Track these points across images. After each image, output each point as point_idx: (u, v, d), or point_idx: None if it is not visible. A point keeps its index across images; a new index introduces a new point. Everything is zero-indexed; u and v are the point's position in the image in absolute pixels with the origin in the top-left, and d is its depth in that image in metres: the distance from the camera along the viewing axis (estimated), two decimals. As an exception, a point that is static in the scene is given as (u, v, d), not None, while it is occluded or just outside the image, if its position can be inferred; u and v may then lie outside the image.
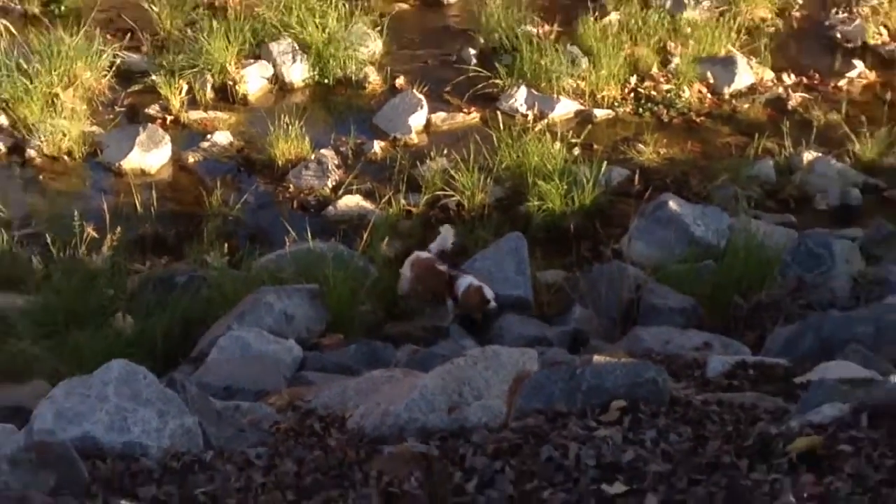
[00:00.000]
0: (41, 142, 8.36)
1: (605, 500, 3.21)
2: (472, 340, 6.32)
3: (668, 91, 9.08)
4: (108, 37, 9.31)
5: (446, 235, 6.77)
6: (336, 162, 8.34)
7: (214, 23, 9.18)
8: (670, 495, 3.22)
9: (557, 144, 8.16)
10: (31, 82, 8.60)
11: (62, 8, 9.64)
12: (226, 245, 7.44)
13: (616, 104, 9.03)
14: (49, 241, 7.29)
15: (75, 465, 3.61)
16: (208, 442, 4.03)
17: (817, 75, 9.34)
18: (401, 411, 4.15)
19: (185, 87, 8.88)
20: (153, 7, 9.32)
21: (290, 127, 8.43)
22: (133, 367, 4.03)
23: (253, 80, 9.10)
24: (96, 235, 7.25)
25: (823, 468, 3.23)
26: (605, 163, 8.17)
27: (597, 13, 9.57)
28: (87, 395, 3.90)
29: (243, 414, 4.46)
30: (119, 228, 7.37)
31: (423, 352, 6.07)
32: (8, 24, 9.18)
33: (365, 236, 7.51)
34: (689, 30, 9.46)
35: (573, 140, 8.49)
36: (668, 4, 9.66)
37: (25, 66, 8.70)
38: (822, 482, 3.15)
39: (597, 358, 4.04)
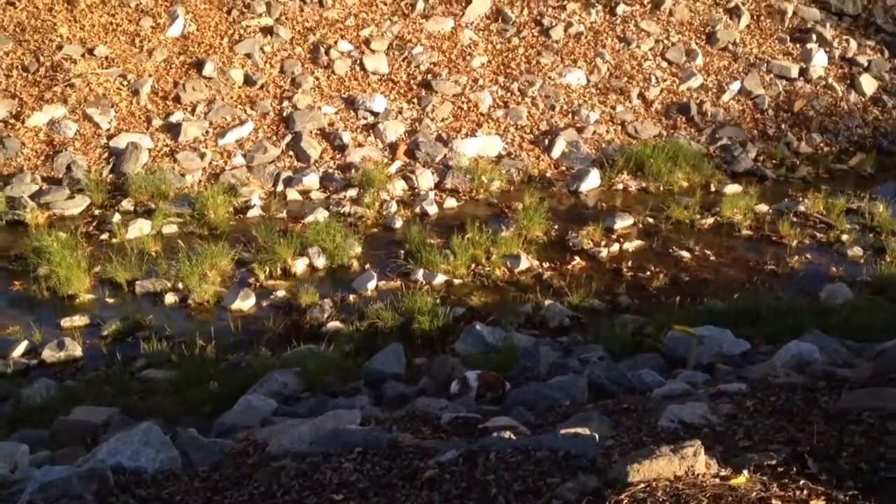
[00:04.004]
0: (195, 296, 8.25)
1: (332, 500, 3.09)
2: (368, 397, 6.04)
3: (489, 270, 8.97)
4: (236, 245, 9.20)
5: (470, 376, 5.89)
6: (331, 305, 8.18)
7: (282, 239, 9.10)
8: (361, 500, 3.10)
9: (429, 298, 8.06)
10: (193, 267, 8.48)
11: (218, 233, 9.37)
12: (268, 346, 7.34)
13: (463, 277, 8.89)
14: (184, 344, 7.20)
15: (107, 479, 3.49)
16: (189, 462, 3.86)
17: (558, 263, 9.21)
18: (286, 443, 4.00)
19: (267, 269, 8.79)
20: (256, 233, 9.16)
21: (310, 287, 8.36)
22: (150, 426, 3.88)
23: (299, 266, 8.99)
24: (203, 343, 7.13)
25: (434, 486, 3.09)
26: (451, 305, 8.08)
27: (460, 234, 9.39)
28: (125, 441, 3.76)
29: (217, 444, 4.18)
30: (215, 339, 7.28)
31: (335, 402, 5.74)
32: (180, 243, 9.07)
33: (334, 344, 7.40)
34: (500, 241, 9.29)
35: (440, 294, 8.41)
36: (490, 230, 9.47)
37: (191, 259, 8.59)
38: (430, 495, 3.03)
39: (350, 427, 3.86)
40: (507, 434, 3.61)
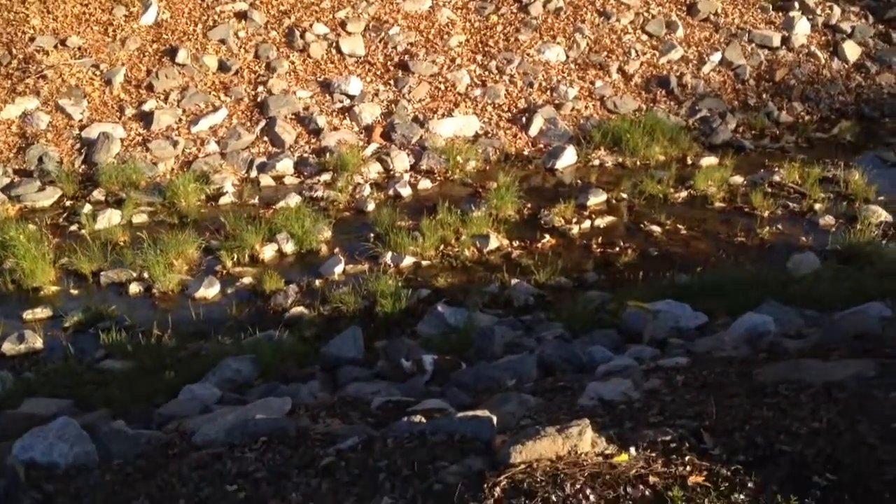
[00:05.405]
0: (159, 285, 8.24)
1: (226, 491, 3.07)
2: (321, 382, 6.01)
3: (457, 251, 8.91)
4: (205, 232, 9.19)
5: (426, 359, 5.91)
6: (296, 290, 8.17)
7: (250, 225, 9.05)
8: (253, 490, 3.07)
9: (391, 281, 8.02)
10: (158, 256, 8.46)
11: (189, 221, 9.34)
12: (230, 333, 7.32)
13: (432, 258, 8.85)
14: (143, 334, 7.19)
15: (17, 474, 3.47)
16: (110, 455, 3.81)
17: (528, 241, 9.14)
18: (210, 433, 3.98)
19: (234, 256, 8.77)
20: (225, 220, 9.11)
21: (276, 273, 8.34)
22: (67, 420, 3.84)
23: (268, 252, 8.97)
24: (158, 332, 7.13)
25: (328, 474, 3.07)
26: (416, 287, 8.05)
27: (431, 216, 9.32)
28: (40, 435, 3.74)
29: (143, 436, 4.10)
30: (177, 328, 7.27)
31: (286, 389, 5.72)
32: (144, 234, 9.04)
33: (295, 329, 7.39)
34: (470, 222, 9.21)
35: (407, 276, 8.39)
36: (458, 211, 9.39)
37: (157, 249, 8.58)
38: (322, 482, 3.00)
39: (259, 416, 3.82)
40: (418, 418, 3.58)
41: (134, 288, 8.25)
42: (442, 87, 12.55)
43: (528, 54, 13.12)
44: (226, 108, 11.73)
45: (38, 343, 7.29)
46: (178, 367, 6.53)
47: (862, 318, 5.36)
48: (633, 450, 2.80)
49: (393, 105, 12.14)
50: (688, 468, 2.69)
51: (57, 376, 6.51)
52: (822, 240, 8.79)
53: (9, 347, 7.17)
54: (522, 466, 2.66)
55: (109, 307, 7.83)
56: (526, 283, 8.20)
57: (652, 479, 2.58)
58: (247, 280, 8.43)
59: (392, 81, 12.53)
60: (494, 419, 3.23)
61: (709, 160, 10.96)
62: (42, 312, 7.84)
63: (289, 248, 9.00)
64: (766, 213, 9.47)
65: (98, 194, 10.13)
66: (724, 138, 11.83)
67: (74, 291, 8.29)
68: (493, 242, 9.01)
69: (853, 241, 8.49)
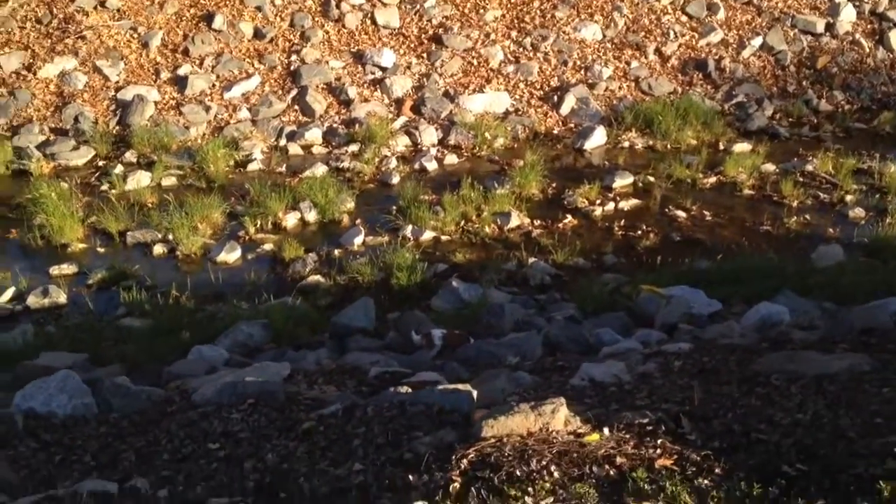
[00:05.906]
0: (183, 247, 8.36)
1: (208, 449, 3.12)
2: (329, 350, 6.08)
3: (478, 227, 8.90)
4: (231, 198, 9.28)
5: (436, 333, 5.94)
6: (315, 259, 8.25)
7: (274, 193, 9.11)
8: (233, 449, 3.11)
9: (408, 254, 8.04)
10: (183, 219, 8.57)
11: (216, 186, 9.42)
12: (248, 298, 7.42)
13: (452, 233, 8.85)
14: (163, 294, 7.32)
15: (15, 423, 3.56)
16: (110, 409, 3.91)
17: (550, 221, 9.09)
18: (208, 393, 4.05)
19: (258, 222, 8.86)
20: (251, 186, 9.18)
21: (296, 241, 8.41)
22: (68, 373, 3.94)
23: (291, 220, 9.04)
24: (177, 293, 7.24)
25: (307, 438, 3.11)
26: (434, 262, 8.07)
27: (454, 192, 9.31)
28: (41, 387, 3.85)
29: (144, 392, 4.24)
30: (196, 290, 7.38)
31: (294, 355, 5.80)
32: (171, 196, 9.16)
33: (310, 297, 7.46)
34: (493, 199, 9.18)
35: (426, 250, 8.41)
36: (482, 187, 9.35)
37: (182, 212, 8.69)
38: (298, 445, 3.04)
39: (249, 378, 3.88)
40: (403, 389, 3.61)
41: (158, 249, 8.40)
42: (475, 62, 12.47)
43: (563, 32, 12.96)
44: (259, 75, 11.81)
45: (62, 298, 7.48)
46: (194, 328, 6.64)
47: (874, 312, 5.26)
48: (606, 430, 2.81)
49: (424, 79, 12.11)
50: (658, 451, 2.68)
51: (77, 331, 6.68)
52: (851, 232, 8.61)
53: (34, 301, 7.37)
54: (493, 440, 2.69)
55: (133, 266, 7.99)
56: (544, 262, 8.17)
57: (619, 459, 2.58)
58: (268, 246, 8.52)
59: (425, 55, 12.49)
60: (475, 393, 3.26)
61: (741, 146, 10.77)
62: (68, 269, 8.03)
63: (311, 216, 9.07)
64: (795, 203, 9.29)
65: (130, 156, 10.30)
66: (760, 125, 11.61)
67: (101, 250, 8.47)
68: (515, 220, 8.98)
69: (882, 234, 8.30)
